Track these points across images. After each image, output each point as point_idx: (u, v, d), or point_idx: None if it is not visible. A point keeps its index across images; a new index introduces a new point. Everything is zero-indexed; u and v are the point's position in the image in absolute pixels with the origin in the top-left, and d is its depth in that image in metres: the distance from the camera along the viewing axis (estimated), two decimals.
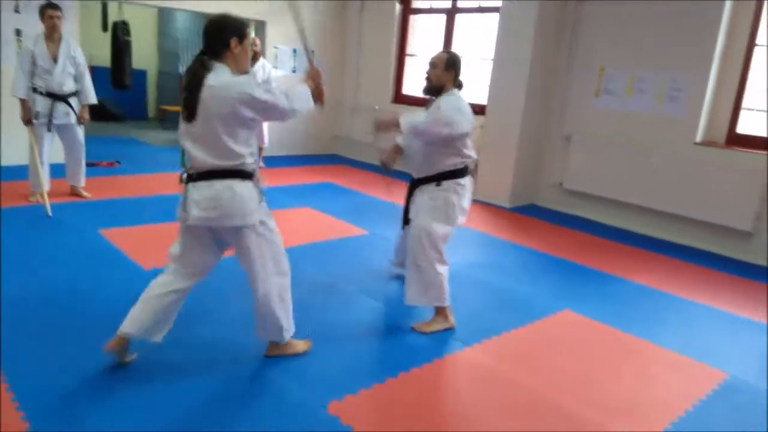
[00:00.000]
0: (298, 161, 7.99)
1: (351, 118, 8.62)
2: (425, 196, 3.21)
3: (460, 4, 7.34)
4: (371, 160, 8.44)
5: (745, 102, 5.23)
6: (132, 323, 2.51)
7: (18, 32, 5.86)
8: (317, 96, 2.60)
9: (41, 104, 4.82)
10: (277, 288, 2.61)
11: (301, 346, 2.81)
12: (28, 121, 4.81)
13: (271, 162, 7.20)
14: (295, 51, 8.21)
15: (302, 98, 2.51)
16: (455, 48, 7.40)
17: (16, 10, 5.85)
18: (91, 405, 2.29)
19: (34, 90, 4.80)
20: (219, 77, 2.32)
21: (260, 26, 7.77)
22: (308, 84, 2.60)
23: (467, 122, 3.12)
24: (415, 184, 3.32)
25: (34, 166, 4.84)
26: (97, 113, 8.86)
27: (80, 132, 5.12)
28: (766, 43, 5.04)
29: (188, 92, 2.34)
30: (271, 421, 2.29)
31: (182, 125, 2.42)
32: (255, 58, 6.70)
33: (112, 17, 7.15)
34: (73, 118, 5.00)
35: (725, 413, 2.65)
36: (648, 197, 5.58)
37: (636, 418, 2.55)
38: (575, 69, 6.18)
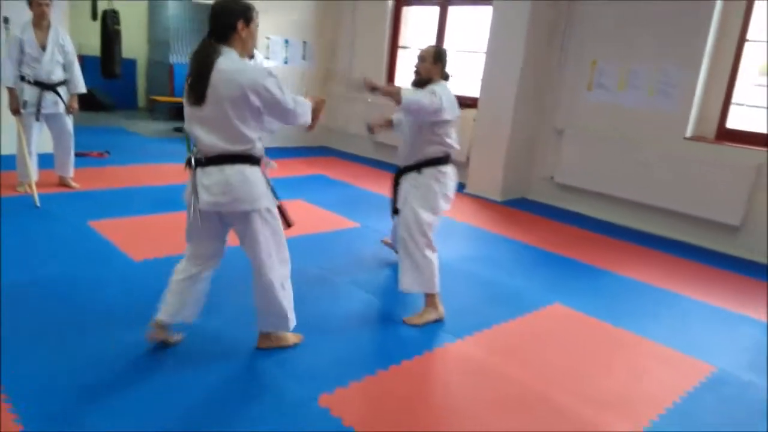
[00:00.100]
0: (289, 153, 7.96)
1: (343, 110, 8.59)
2: (409, 183, 3.32)
3: None
4: (363, 153, 8.44)
5: (735, 97, 5.25)
6: (163, 310, 2.62)
7: (6, 20, 5.77)
8: (314, 116, 2.64)
9: (29, 93, 4.76)
10: (280, 276, 2.62)
11: (292, 338, 2.81)
12: (15, 110, 4.75)
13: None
14: (287, 42, 8.16)
15: (305, 108, 2.54)
16: (448, 40, 7.39)
17: None
18: (85, 402, 2.26)
19: (22, 78, 4.74)
20: (230, 61, 2.33)
21: None
22: (310, 101, 2.62)
23: (450, 111, 3.21)
24: (400, 174, 3.41)
25: (22, 156, 4.79)
26: (87, 103, 8.78)
27: (69, 121, 5.07)
28: (757, 39, 5.07)
29: (197, 76, 2.33)
30: (262, 414, 2.29)
31: (189, 110, 2.41)
32: None
33: (102, 6, 7.08)
34: (61, 108, 4.95)
35: (712, 405, 2.68)
36: (638, 192, 5.61)
37: (624, 410, 2.57)
38: (568, 62, 6.18)
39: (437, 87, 3.19)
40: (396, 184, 3.45)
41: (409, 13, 8.01)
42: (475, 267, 4.21)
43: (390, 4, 7.95)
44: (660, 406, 2.62)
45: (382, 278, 3.85)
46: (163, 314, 2.63)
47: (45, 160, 5.18)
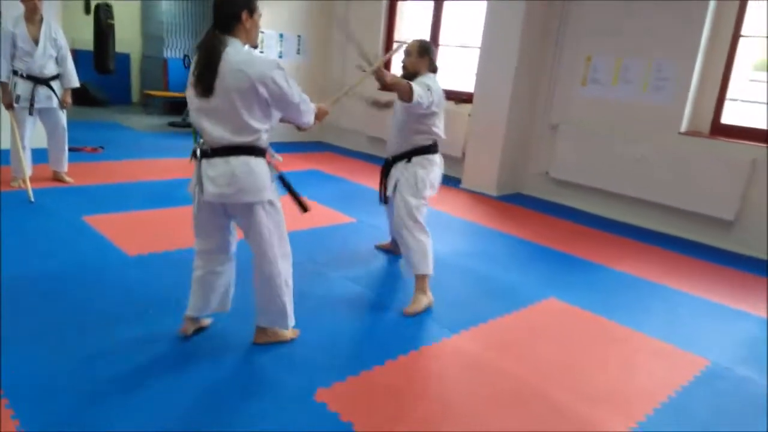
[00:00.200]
0: (284, 148, 7.88)
1: (338, 105, 8.57)
2: (398, 172, 3.44)
3: None
4: (358, 148, 8.43)
5: (730, 92, 5.27)
6: (190, 306, 2.70)
7: None
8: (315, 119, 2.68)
9: (22, 87, 4.73)
10: (283, 272, 2.63)
11: (289, 333, 2.81)
12: (8, 105, 4.73)
13: None
14: (281, 36, 8.13)
15: (309, 107, 2.57)
16: (443, 35, 7.38)
17: None
18: (83, 400, 2.25)
19: (15, 73, 4.71)
20: (237, 52, 2.33)
21: None
22: (317, 105, 2.65)
23: (438, 104, 3.30)
24: (389, 163, 3.53)
25: (16, 150, 4.76)
26: (80, 97, 8.75)
27: (63, 116, 5.04)
28: (751, 34, 5.08)
29: (205, 67, 2.32)
30: (259, 409, 2.29)
31: (195, 102, 2.41)
32: None
33: (95, 0, 7.02)
34: (55, 102, 4.92)
35: (706, 399, 2.70)
36: (633, 187, 5.62)
37: (619, 404, 2.58)
38: (562, 58, 6.18)
39: (429, 81, 3.26)
40: (385, 175, 3.56)
41: (404, 7, 7.99)
42: (471, 262, 4.22)
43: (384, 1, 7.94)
44: (655, 400, 2.63)
45: (378, 273, 3.85)
46: (190, 310, 2.71)
47: (39, 155, 5.15)
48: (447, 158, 6.79)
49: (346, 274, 3.75)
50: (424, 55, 3.35)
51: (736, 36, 5.13)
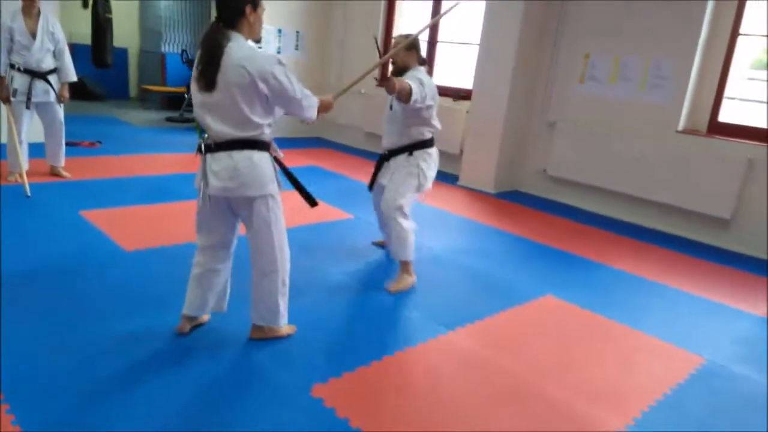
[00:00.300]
0: (282, 144, 7.87)
1: (336, 102, 8.55)
2: (397, 164, 3.54)
3: None
4: (356, 144, 8.42)
5: (727, 91, 5.27)
6: (188, 305, 2.70)
7: None
8: (318, 113, 2.66)
9: (19, 81, 4.72)
10: (281, 270, 2.64)
11: (285, 329, 2.81)
12: (5, 98, 4.71)
13: None
14: (280, 31, 8.11)
15: (312, 102, 2.56)
16: (442, 33, 7.38)
17: None
18: (82, 399, 2.24)
19: (12, 66, 4.70)
20: (239, 47, 2.33)
21: None
22: (320, 99, 2.64)
23: (432, 97, 3.40)
24: (386, 157, 3.62)
25: (13, 145, 4.74)
26: (78, 92, 8.71)
27: (60, 111, 5.03)
28: (750, 33, 5.09)
29: (207, 62, 2.33)
30: (255, 404, 2.29)
31: (198, 96, 2.41)
32: None
33: None
34: (52, 96, 4.91)
35: (702, 397, 2.71)
36: (630, 184, 5.63)
37: (615, 401, 2.59)
38: (560, 55, 6.18)
39: (420, 75, 3.35)
40: (379, 167, 3.65)
41: (402, 7, 7.97)
42: (468, 259, 4.22)
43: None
44: (651, 397, 2.64)
45: (375, 269, 3.85)
46: (187, 309, 2.70)
47: (36, 150, 5.14)
48: (445, 155, 6.80)
49: (343, 270, 3.75)
50: (411, 48, 3.43)
51: (734, 34, 5.14)
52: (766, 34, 4.96)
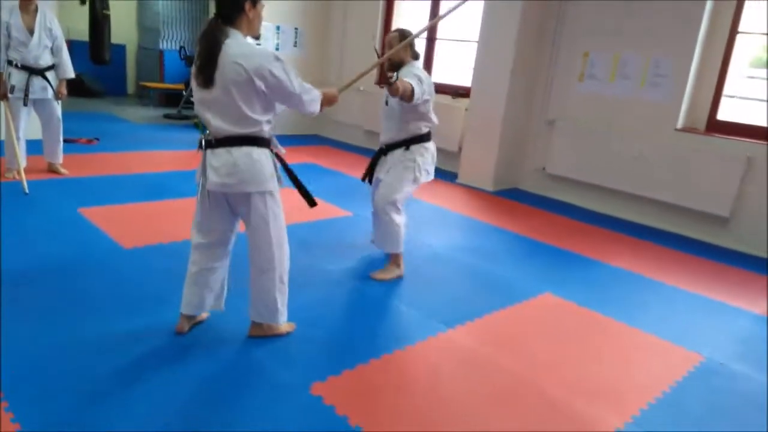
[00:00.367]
0: (281, 141, 7.86)
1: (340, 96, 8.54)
2: (395, 158, 3.57)
3: None
4: (355, 142, 8.41)
5: (726, 89, 5.27)
6: (185, 304, 2.69)
7: None
8: (321, 106, 2.64)
9: (17, 78, 4.70)
10: (279, 268, 2.63)
11: (284, 327, 2.80)
12: (3, 95, 4.69)
13: None
14: (278, 28, 8.09)
15: (313, 96, 2.54)
16: (440, 30, 7.36)
17: None
18: (82, 397, 2.23)
19: (10, 63, 4.68)
20: (237, 44, 2.33)
21: None
22: (322, 92, 2.62)
23: (429, 92, 3.44)
24: (383, 151, 3.65)
25: (10, 142, 4.73)
26: (75, 88, 8.70)
27: (57, 107, 5.01)
28: (748, 31, 5.08)
29: (206, 59, 2.32)
30: (254, 402, 2.29)
31: (198, 93, 2.41)
32: None
33: None
34: (50, 93, 4.89)
35: (700, 395, 2.71)
36: (629, 182, 5.63)
37: (613, 399, 2.59)
38: (559, 53, 6.17)
39: (416, 71, 3.38)
40: (376, 160, 3.69)
41: (401, 7, 7.94)
42: (467, 257, 4.22)
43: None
44: (650, 395, 2.64)
45: (374, 267, 3.84)
46: (185, 308, 2.70)
47: (33, 146, 5.12)
48: (444, 153, 6.80)
49: (342, 268, 3.74)
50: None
51: (733, 32, 5.13)
52: (765, 32, 4.96)
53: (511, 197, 6.25)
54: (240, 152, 2.42)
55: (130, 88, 10.97)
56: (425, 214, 5.23)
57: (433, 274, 3.82)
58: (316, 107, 2.58)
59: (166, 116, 8.97)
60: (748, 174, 4.95)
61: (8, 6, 4.67)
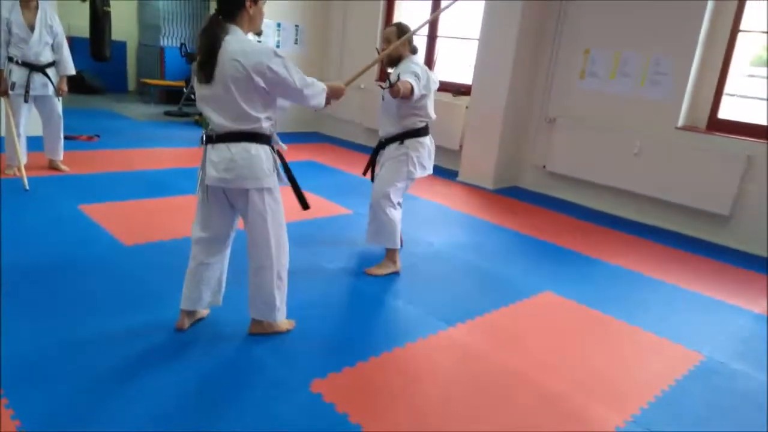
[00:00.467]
0: (281, 139, 7.89)
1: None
2: (389, 153, 3.59)
3: None
4: (355, 139, 8.41)
5: (727, 87, 5.26)
6: (185, 299, 2.70)
7: None
8: (328, 100, 2.62)
9: (17, 74, 4.70)
10: (277, 264, 2.63)
11: (284, 324, 2.81)
12: (4, 92, 4.69)
13: None
14: (279, 25, 8.08)
15: (316, 90, 2.52)
16: (441, 28, 7.35)
17: None
18: (82, 396, 2.23)
19: (10, 60, 4.67)
20: (237, 41, 2.33)
21: None
22: (328, 86, 2.60)
23: (426, 87, 3.43)
24: (381, 145, 3.65)
25: (11, 138, 4.72)
26: (76, 85, 8.69)
27: (58, 104, 5.01)
28: (750, 29, 5.08)
29: (206, 55, 2.33)
30: (253, 399, 2.29)
31: (198, 89, 2.42)
32: None
33: None
34: (50, 90, 4.88)
35: (701, 393, 2.71)
36: (629, 181, 5.63)
37: (613, 398, 2.59)
38: (560, 51, 6.17)
39: (414, 67, 3.38)
40: (376, 154, 3.71)
41: (401, 6, 7.92)
42: (467, 255, 4.22)
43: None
44: (650, 393, 2.65)
45: (375, 265, 3.84)
46: (183, 302, 2.70)
47: (34, 143, 5.12)
48: (444, 150, 6.81)
49: (342, 266, 3.75)
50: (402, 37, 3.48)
51: (734, 31, 5.12)
52: (766, 30, 4.96)
53: (512, 195, 6.25)
54: (239, 148, 2.43)
55: (131, 85, 10.96)
56: (425, 211, 5.23)
57: (433, 272, 3.82)
58: (320, 101, 2.56)
59: (167, 113, 8.96)
60: (748, 173, 4.94)
61: (8, 3, 4.67)
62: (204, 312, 2.84)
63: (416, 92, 3.29)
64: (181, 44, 9.72)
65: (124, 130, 7.35)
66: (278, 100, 2.51)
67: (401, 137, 3.55)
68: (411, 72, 3.32)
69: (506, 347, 2.94)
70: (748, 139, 4.99)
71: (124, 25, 10.11)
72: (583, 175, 6.00)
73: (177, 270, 2.87)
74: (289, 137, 7.85)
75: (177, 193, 4.81)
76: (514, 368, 2.74)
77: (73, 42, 6.42)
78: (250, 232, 2.59)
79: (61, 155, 5.16)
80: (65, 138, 5.22)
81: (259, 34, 2.53)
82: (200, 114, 2.50)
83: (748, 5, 5.04)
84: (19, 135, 4.76)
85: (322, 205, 5.01)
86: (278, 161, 2.59)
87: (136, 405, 2.18)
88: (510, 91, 6.16)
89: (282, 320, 2.79)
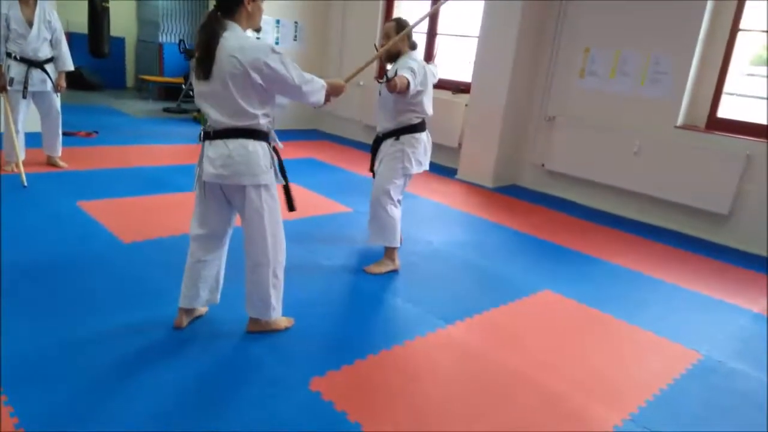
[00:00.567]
0: (280, 136, 7.85)
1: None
2: (386, 149, 3.60)
3: None
4: (354, 136, 8.40)
5: (726, 87, 5.26)
6: (183, 297, 2.70)
7: None
8: (328, 97, 2.61)
9: (16, 70, 4.68)
10: (273, 261, 2.62)
11: (282, 322, 2.81)
12: (2, 87, 4.67)
13: None
14: (278, 22, 8.06)
15: (315, 87, 2.50)
16: (441, 25, 7.34)
17: None
18: (82, 395, 2.22)
19: (9, 55, 4.66)
20: (235, 37, 2.32)
21: None
22: (328, 82, 2.59)
23: (423, 83, 3.44)
24: (380, 139, 3.65)
25: (9, 134, 4.71)
26: (74, 81, 8.66)
27: (57, 100, 5.00)
28: (750, 28, 5.07)
29: (204, 51, 2.32)
30: (252, 397, 2.29)
31: (197, 85, 2.42)
32: None
33: None
34: (49, 86, 4.87)
35: (698, 392, 2.72)
36: (628, 180, 5.63)
37: (612, 396, 2.60)
38: (560, 50, 6.16)
39: (412, 63, 3.38)
40: (375, 150, 3.70)
41: (401, 5, 7.91)
42: (466, 253, 4.22)
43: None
44: (648, 392, 2.65)
45: (374, 263, 3.84)
46: (181, 300, 2.70)
47: (32, 139, 5.11)
48: (443, 148, 6.80)
49: (341, 264, 3.74)
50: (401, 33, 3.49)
51: (734, 30, 5.12)
52: (766, 29, 4.95)
53: (511, 194, 6.25)
54: (236, 144, 2.42)
55: (129, 81, 10.94)
56: (424, 210, 5.22)
57: (432, 271, 3.82)
58: (319, 97, 2.55)
59: (166, 110, 8.94)
60: (747, 172, 4.95)
61: None
62: (202, 310, 2.83)
63: (412, 87, 3.30)
64: (180, 41, 9.69)
65: (123, 127, 7.33)
66: (277, 97, 2.50)
67: (397, 132, 3.55)
68: (408, 68, 3.33)
69: (505, 346, 2.94)
70: (747, 138, 4.99)
71: (122, 21, 10.08)
72: (583, 173, 6.00)
73: (175, 267, 2.87)
74: (288, 134, 7.85)
75: (175, 190, 4.80)
76: (513, 366, 2.74)
77: (71, 38, 6.40)
78: (247, 228, 2.58)
79: (59, 151, 5.14)
80: (63, 134, 5.21)
81: (258, 30, 2.53)
82: (199, 110, 2.50)
83: (747, 4, 5.04)
84: (17, 131, 4.74)
85: (321, 203, 5.01)
86: (275, 158, 2.58)
87: (135, 403, 2.17)
88: (510, 90, 6.16)
89: (280, 318, 2.78)
